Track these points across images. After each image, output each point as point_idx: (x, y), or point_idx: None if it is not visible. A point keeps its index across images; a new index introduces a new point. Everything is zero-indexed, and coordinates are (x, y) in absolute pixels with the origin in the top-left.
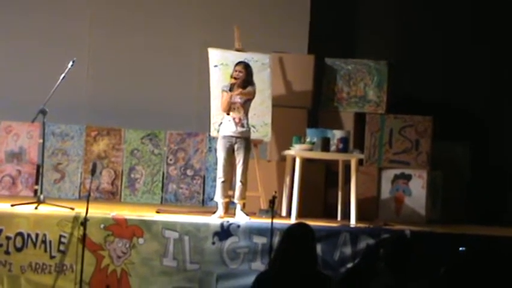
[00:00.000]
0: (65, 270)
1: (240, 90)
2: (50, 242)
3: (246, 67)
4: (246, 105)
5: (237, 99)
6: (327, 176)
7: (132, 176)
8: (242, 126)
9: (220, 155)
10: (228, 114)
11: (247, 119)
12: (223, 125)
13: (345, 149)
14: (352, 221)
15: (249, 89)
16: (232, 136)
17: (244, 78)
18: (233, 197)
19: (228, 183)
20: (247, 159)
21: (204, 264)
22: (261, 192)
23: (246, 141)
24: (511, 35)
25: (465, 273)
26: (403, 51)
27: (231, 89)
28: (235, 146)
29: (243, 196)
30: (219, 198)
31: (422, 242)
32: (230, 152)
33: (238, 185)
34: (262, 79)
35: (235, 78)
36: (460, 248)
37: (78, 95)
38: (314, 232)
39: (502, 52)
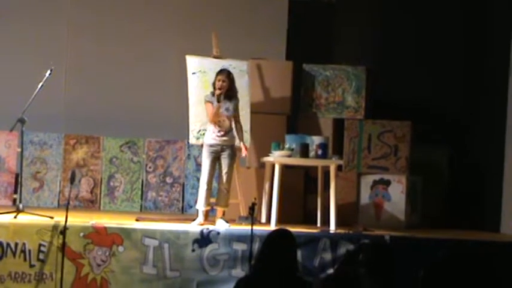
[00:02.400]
0: (44, 279)
1: (225, 101)
2: (30, 251)
3: (229, 75)
4: (231, 116)
5: (224, 112)
6: (306, 182)
7: (111, 184)
8: (228, 135)
9: (206, 163)
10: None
11: (232, 128)
12: (208, 133)
13: (324, 155)
14: (332, 227)
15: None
16: (218, 144)
17: (228, 88)
18: (215, 204)
19: (211, 191)
20: (233, 167)
21: (184, 272)
22: (240, 199)
23: (231, 148)
24: (486, 40)
25: (443, 277)
26: (380, 57)
27: (218, 100)
28: (221, 154)
29: (226, 204)
30: (201, 206)
31: (402, 247)
32: (215, 161)
33: (223, 192)
34: (241, 86)
35: (219, 88)
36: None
37: (56, 104)
38: (295, 238)
39: (478, 57)
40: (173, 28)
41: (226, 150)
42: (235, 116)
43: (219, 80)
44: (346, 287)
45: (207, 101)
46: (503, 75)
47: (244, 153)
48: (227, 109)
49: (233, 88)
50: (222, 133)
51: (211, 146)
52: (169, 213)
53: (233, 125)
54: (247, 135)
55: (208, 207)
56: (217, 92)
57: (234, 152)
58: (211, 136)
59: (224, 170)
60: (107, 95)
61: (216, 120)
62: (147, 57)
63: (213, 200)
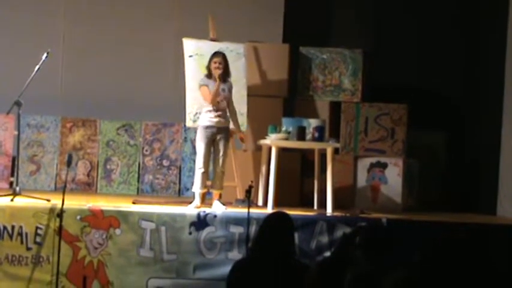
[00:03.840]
0: (41, 262)
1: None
2: (26, 234)
3: (224, 57)
4: (227, 97)
5: (221, 92)
6: (303, 165)
7: (108, 167)
8: (224, 117)
9: (201, 145)
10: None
11: (227, 109)
12: (204, 116)
13: (320, 138)
14: (329, 210)
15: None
16: (214, 127)
17: (224, 70)
18: (211, 187)
19: (207, 174)
20: (227, 150)
21: (181, 255)
22: (237, 182)
23: (226, 131)
24: (486, 23)
25: (441, 260)
26: (378, 40)
27: (220, 80)
28: (217, 137)
29: (221, 186)
30: (197, 188)
31: (399, 229)
32: (210, 143)
33: (219, 175)
34: (237, 69)
35: (218, 69)
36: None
37: (53, 87)
38: (292, 221)
39: (477, 40)
40: (170, 11)
41: (221, 132)
42: (230, 98)
43: (215, 62)
44: (343, 270)
45: (202, 85)
46: (500, 60)
47: (241, 143)
48: (223, 90)
49: (228, 71)
50: (218, 114)
51: (206, 128)
52: (166, 196)
53: (227, 107)
54: (244, 118)
55: (205, 190)
56: (218, 72)
57: (228, 134)
58: (207, 118)
59: (220, 152)
60: (104, 78)
61: (216, 101)
62: (144, 39)
63: (208, 182)
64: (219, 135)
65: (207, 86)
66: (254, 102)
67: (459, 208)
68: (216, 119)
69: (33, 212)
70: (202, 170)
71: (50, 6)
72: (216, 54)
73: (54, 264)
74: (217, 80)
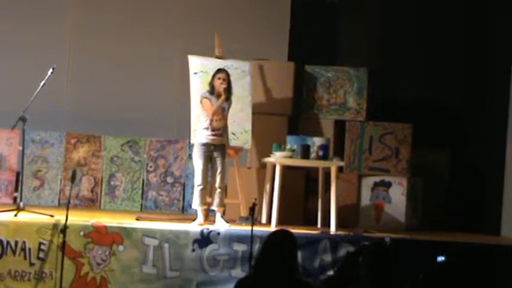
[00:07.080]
0: (44, 278)
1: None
2: (30, 249)
3: (228, 74)
4: (226, 114)
5: (221, 110)
6: (307, 183)
7: (112, 183)
8: (221, 135)
9: (199, 162)
10: (212, 120)
11: (225, 127)
12: (200, 133)
13: (325, 157)
14: (332, 229)
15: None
16: (211, 144)
17: (227, 86)
18: (212, 204)
19: (207, 190)
20: (225, 167)
21: (184, 272)
22: (241, 199)
23: (223, 148)
24: (488, 41)
25: (443, 280)
26: (382, 58)
27: (225, 97)
28: (214, 154)
29: (222, 203)
30: (197, 205)
31: (402, 249)
32: (208, 160)
33: (218, 191)
34: (242, 86)
35: (224, 89)
36: (439, 258)
37: (58, 102)
38: (296, 239)
39: (482, 57)
40: (175, 28)
41: (218, 149)
42: (227, 117)
43: (219, 78)
44: None
45: (204, 98)
46: (504, 77)
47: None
48: (223, 108)
49: (230, 88)
50: (215, 132)
51: (203, 145)
52: (169, 212)
53: (227, 125)
54: (248, 136)
55: (205, 207)
56: (223, 86)
57: (225, 151)
58: (204, 135)
59: (218, 169)
60: (109, 94)
61: (216, 115)
62: (149, 56)
63: (209, 199)
64: (216, 152)
65: (209, 99)
66: (259, 120)
67: (463, 227)
68: (213, 137)
69: (36, 228)
70: (201, 186)
71: (56, 22)
72: (220, 70)
73: (57, 280)
74: (223, 94)
